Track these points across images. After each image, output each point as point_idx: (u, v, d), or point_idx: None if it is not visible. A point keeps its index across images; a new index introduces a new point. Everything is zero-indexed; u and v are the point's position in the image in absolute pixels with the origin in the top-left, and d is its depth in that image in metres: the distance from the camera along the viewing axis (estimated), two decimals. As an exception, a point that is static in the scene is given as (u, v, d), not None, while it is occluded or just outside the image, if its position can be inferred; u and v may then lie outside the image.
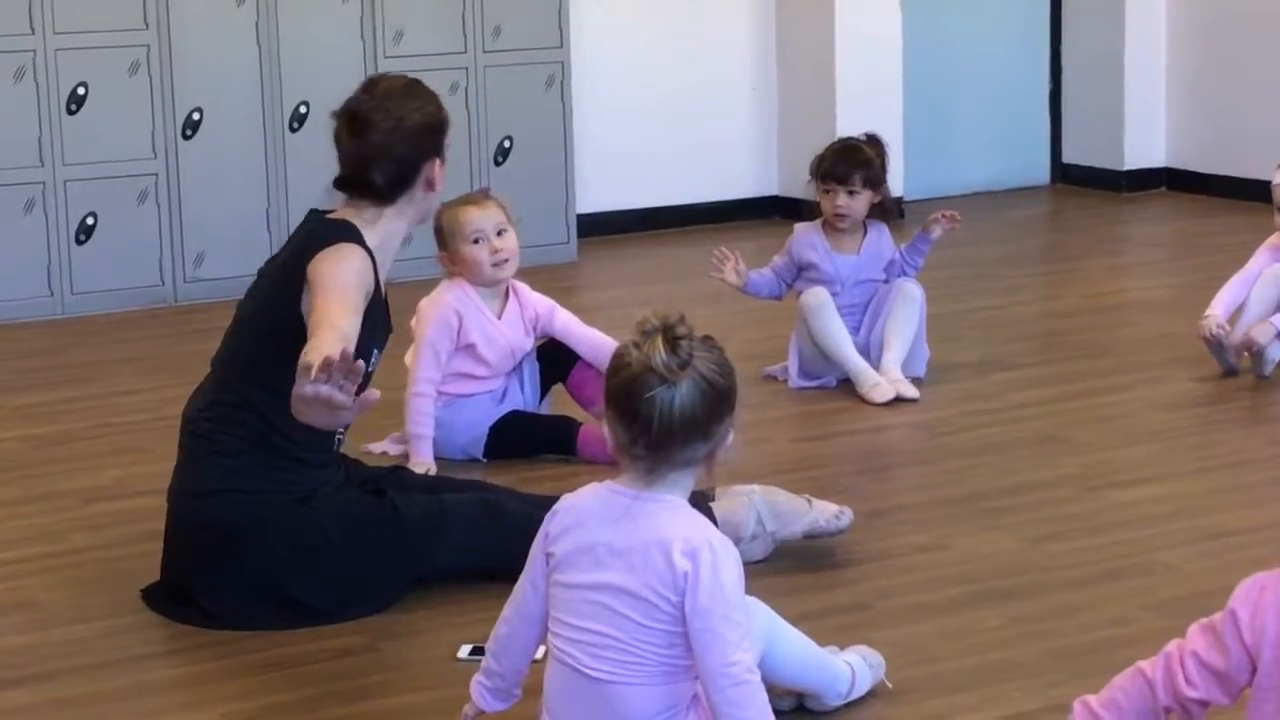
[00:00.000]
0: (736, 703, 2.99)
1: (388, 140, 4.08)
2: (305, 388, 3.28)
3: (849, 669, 3.45)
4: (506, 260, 5.13)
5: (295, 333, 3.83)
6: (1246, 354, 5.77)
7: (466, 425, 5.13)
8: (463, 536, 4.10)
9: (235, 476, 3.99)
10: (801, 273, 5.92)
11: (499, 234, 5.12)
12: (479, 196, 5.25)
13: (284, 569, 3.96)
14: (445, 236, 5.14)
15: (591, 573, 3.09)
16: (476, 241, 5.10)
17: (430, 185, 4.14)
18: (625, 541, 3.06)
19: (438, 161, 4.14)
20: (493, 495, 4.27)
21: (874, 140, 5.95)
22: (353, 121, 4.12)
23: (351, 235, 4.02)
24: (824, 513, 4.26)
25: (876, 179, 5.85)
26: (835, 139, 6.13)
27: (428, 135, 4.12)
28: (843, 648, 3.54)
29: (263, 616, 3.97)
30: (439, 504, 4.12)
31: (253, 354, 4.02)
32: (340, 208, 4.15)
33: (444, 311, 5.11)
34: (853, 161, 5.83)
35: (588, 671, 3.07)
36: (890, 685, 3.54)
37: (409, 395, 5.08)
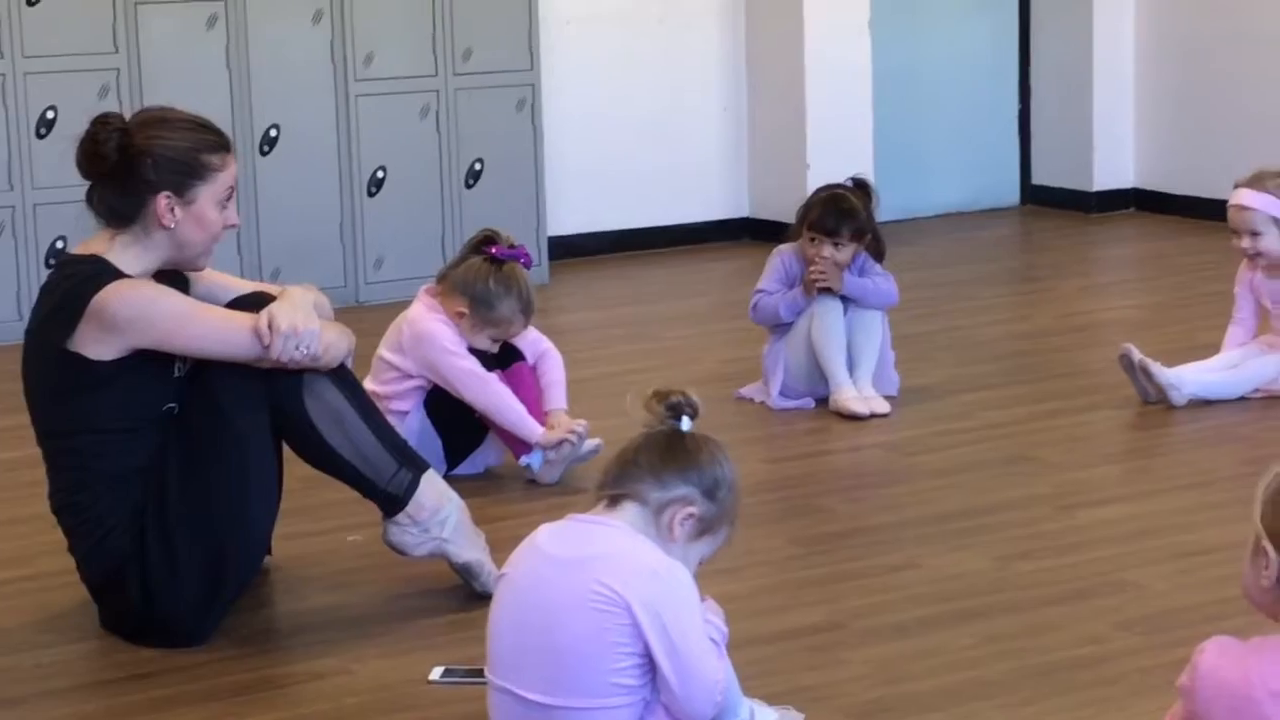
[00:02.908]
0: (721, 701, 3.15)
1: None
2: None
3: (749, 709, 3.38)
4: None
5: (81, 372, 3.94)
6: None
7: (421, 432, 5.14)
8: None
9: (98, 525, 4.01)
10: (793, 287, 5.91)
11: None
12: (533, 306, 5.21)
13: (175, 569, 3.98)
14: (491, 316, 5.13)
15: (534, 586, 3.11)
16: (494, 340, 5.18)
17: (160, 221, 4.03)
18: (569, 553, 3.11)
19: (166, 196, 4.01)
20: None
21: (861, 186, 5.92)
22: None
23: (112, 272, 3.98)
24: None
25: (863, 230, 5.84)
26: (823, 184, 6.03)
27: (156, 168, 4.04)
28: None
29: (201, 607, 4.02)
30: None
31: (54, 408, 4.04)
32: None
33: (443, 325, 5.12)
34: (841, 214, 5.80)
35: (531, 698, 3.06)
36: None
37: (489, 391, 5.09)
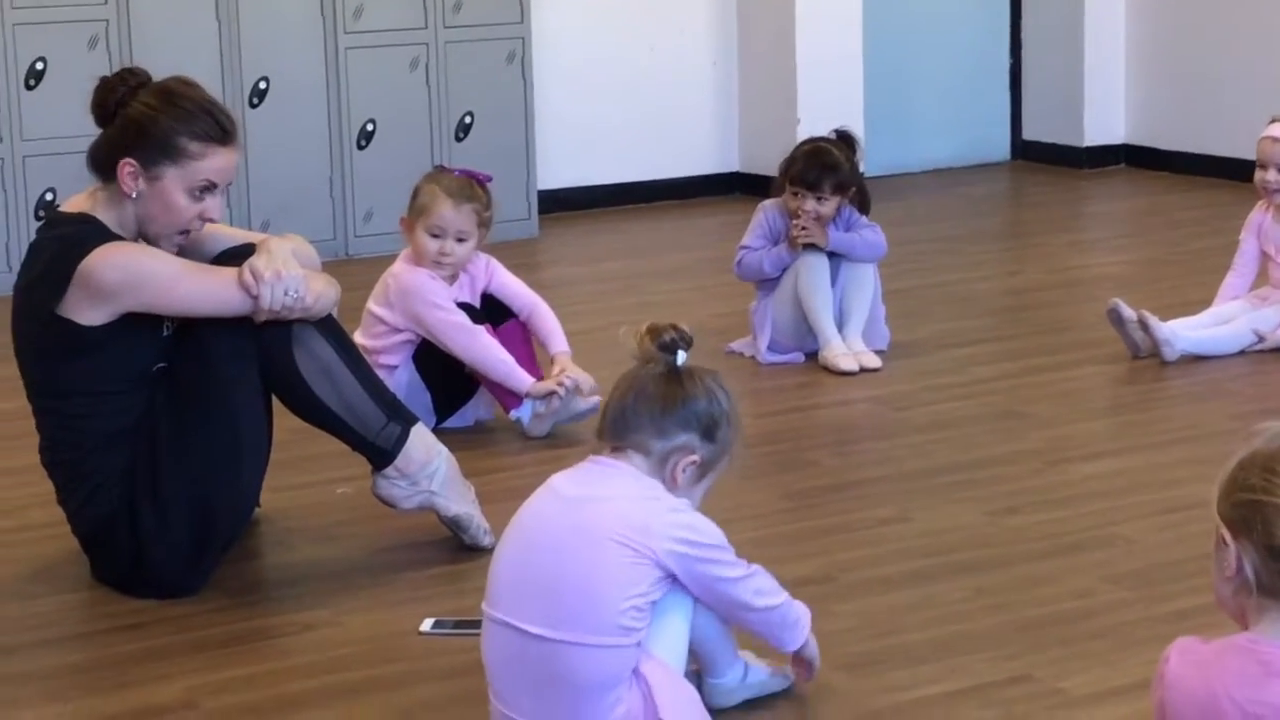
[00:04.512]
0: (770, 619, 3.26)
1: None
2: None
3: (743, 666, 3.41)
4: (450, 264, 5.15)
5: (71, 337, 3.92)
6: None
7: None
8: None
9: (88, 480, 4.01)
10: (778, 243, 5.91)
11: (458, 239, 5.13)
12: (464, 193, 5.14)
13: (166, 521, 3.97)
14: (415, 206, 5.14)
15: (542, 525, 3.13)
16: (434, 235, 5.12)
17: (124, 187, 3.99)
18: (581, 492, 3.13)
19: (130, 163, 3.97)
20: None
21: (845, 139, 5.91)
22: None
23: (100, 234, 3.97)
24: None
25: (845, 184, 5.83)
26: (806, 137, 6.06)
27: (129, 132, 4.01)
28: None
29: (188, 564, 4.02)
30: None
31: (43, 369, 4.03)
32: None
33: (427, 279, 5.11)
34: (823, 168, 5.79)
35: (532, 630, 3.07)
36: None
37: (476, 344, 5.07)
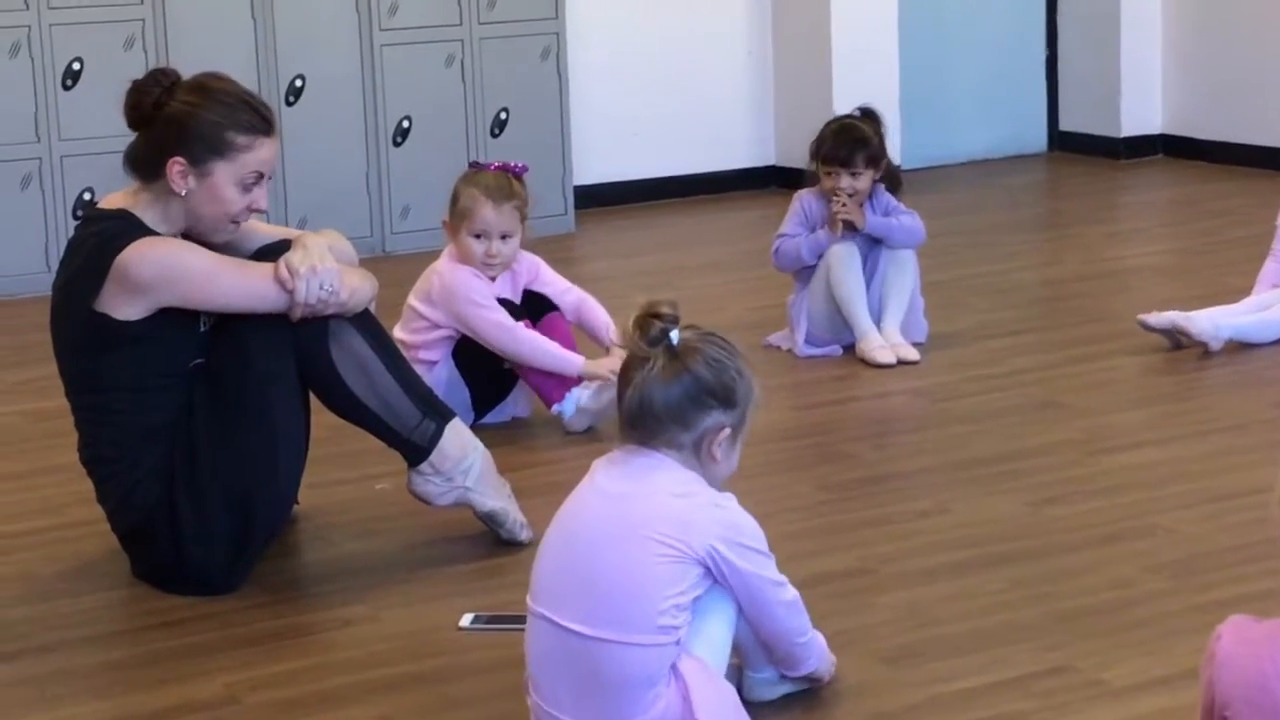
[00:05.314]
0: (796, 626, 3.28)
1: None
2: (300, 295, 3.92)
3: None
4: (498, 264, 5.16)
5: (108, 332, 3.94)
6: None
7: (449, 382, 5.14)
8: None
9: (127, 477, 4.02)
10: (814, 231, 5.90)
11: (502, 238, 5.14)
12: (503, 192, 5.13)
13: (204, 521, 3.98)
14: (456, 211, 5.14)
15: (586, 521, 3.12)
16: (478, 237, 5.12)
17: (173, 185, 3.99)
18: (623, 488, 3.11)
19: (179, 162, 3.97)
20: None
21: (870, 115, 5.92)
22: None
23: (137, 229, 3.98)
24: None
25: (877, 157, 5.83)
26: (831, 118, 6.07)
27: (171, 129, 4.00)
28: None
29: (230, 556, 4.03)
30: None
31: (81, 365, 4.04)
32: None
33: (471, 278, 5.12)
34: (853, 142, 5.80)
35: (571, 626, 3.07)
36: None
37: (519, 339, 5.07)
